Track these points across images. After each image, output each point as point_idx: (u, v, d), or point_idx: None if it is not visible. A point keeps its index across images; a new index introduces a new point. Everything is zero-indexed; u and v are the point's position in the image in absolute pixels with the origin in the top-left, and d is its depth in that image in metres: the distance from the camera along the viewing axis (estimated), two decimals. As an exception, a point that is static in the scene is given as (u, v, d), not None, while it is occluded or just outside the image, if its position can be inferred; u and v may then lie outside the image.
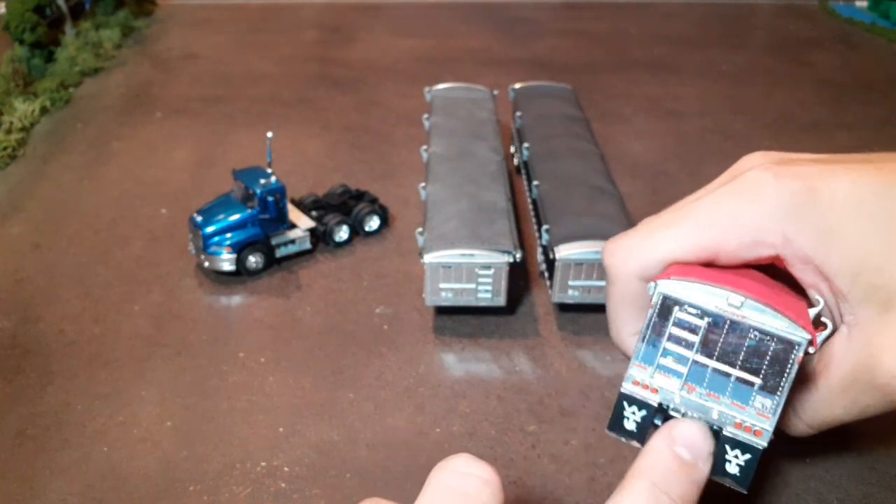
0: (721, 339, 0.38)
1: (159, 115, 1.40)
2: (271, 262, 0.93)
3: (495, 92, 1.19)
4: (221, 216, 0.92)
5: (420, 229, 0.84)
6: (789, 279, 0.47)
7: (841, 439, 0.66)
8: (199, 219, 0.92)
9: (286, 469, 0.65)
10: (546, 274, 0.87)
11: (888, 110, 1.44)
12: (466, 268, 0.79)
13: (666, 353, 0.39)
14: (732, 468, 0.38)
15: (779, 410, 0.38)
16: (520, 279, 0.90)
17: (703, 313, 0.38)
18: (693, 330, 0.38)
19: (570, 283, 0.81)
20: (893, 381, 0.43)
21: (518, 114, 1.11)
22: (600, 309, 0.83)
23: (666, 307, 0.39)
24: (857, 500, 0.62)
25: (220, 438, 0.68)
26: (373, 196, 1.03)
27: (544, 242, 0.85)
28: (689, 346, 0.39)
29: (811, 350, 0.38)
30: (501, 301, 0.82)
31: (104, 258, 0.96)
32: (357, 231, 1.00)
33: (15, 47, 1.55)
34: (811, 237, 0.45)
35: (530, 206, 0.98)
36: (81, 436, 0.69)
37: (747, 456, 0.38)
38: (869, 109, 1.45)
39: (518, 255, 0.79)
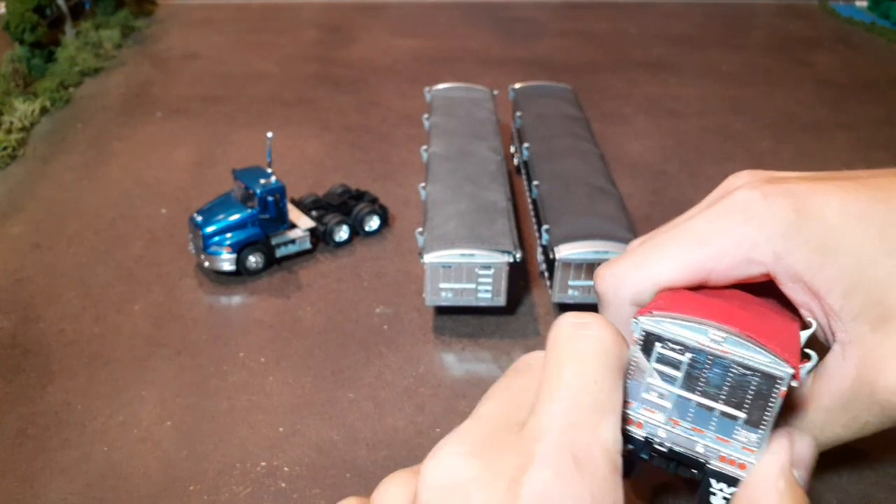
0: (704, 374, 0.38)
1: (159, 115, 1.40)
2: (271, 262, 0.93)
3: (495, 92, 1.19)
4: (221, 216, 0.92)
5: (420, 229, 0.84)
6: (783, 296, 0.48)
7: (841, 439, 0.66)
8: (199, 219, 0.92)
9: (286, 469, 0.65)
10: (546, 274, 0.87)
11: (888, 110, 1.44)
12: (466, 268, 0.80)
13: (650, 388, 0.39)
14: (718, 501, 0.38)
15: (764, 444, 0.37)
16: (520, 279, 0.90)
17: (685, 349, 0.38)
18: (676, 365, 0.38)
19: (570, 283, 0.81)
20: (893, 398, 0.44)
21: (518, 114, 1.11)
22: (600, 309, 0.83)
23: (648, 343, 0.39)
24: (856, 500, 0.62)
25: (220, 438, 0.68)
26: (373, 196, 1.03)
27: (544, 242, 0.85)
28: (672, 381, 0.38)
29: (794, 384, 0.37)
30: (501, 301, 0.82)
31: (104, 258, 0.96)
32: (357, 231, 1.00)
33: (15, 47, 1.55)
34: (801, 255, 0.46)
35: (530, 206, 0.98)
36: (82, 435, 0.69)
37: (733, 489, 0.37)
38: (869, 109, 1.45)
39: (518, 255, 0.79)
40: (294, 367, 0.77)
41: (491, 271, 0.80)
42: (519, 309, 0.86)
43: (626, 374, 0.40)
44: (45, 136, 1.31)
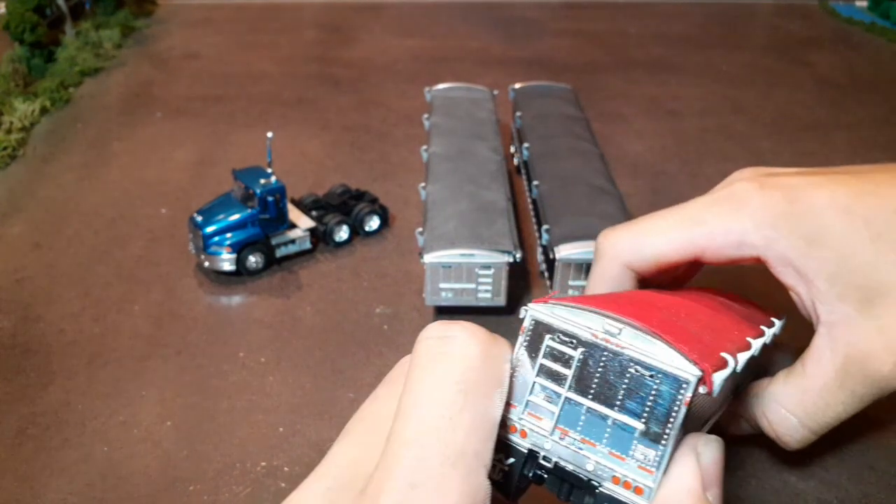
0: (598, 374, 0.31)
1: (159, 115, 1.40)
2: (271, 262, 0.93)
3: (495, 92, 1.19)
4: (221, 216, 0.92)
5: (420, 229, 0.84)
6: (755, 314, 0.49)
7: (841, 439, 0.66)
8: (199, 219, 0.92)
9: (286, 469, 0.65)
10: (546, 274, 0.87)
11: (888, 110, 1.45)
12: (466, 268, 0.80)
13: (536, 389, 0.33)
14: None
15: (664, 464, 0.30)
16: (520, 279, 0.90)
17: (577, 342, 0.32)
18: (566, 362, 0.32)
19: (570, 283, 0.81)
20: (884, 368, 0.47)
21: (518, 114, 1.11)
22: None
23: (537, 335, 0.34)
24: (856, 500, 0.62)
25: (220, 438, 0.68)
26: (373, 196, 1.03)
27: (544, 242, 0.85)
28: (561, 381, 0.32)
29: (702, 390, 0.30)
30: (501, 301, 0.82)
31: (104, 258, 0.96)
32: (357, 231, 1.00)
33: (15, 47, 1.55)
34: (791, 242, 0.49)
35: (530, 206, 0.98)
36: (82, 435, 0.69)
37: None
38: (869, 109, 1.45)
39: (518, 255, 0.79)
40: (294, 367, 0.77)
41: (491, 271, 0.80)
42: (519, 309, 0.86)
43: (513, 373, 0.33)
44: (45, 136, 1.31)
